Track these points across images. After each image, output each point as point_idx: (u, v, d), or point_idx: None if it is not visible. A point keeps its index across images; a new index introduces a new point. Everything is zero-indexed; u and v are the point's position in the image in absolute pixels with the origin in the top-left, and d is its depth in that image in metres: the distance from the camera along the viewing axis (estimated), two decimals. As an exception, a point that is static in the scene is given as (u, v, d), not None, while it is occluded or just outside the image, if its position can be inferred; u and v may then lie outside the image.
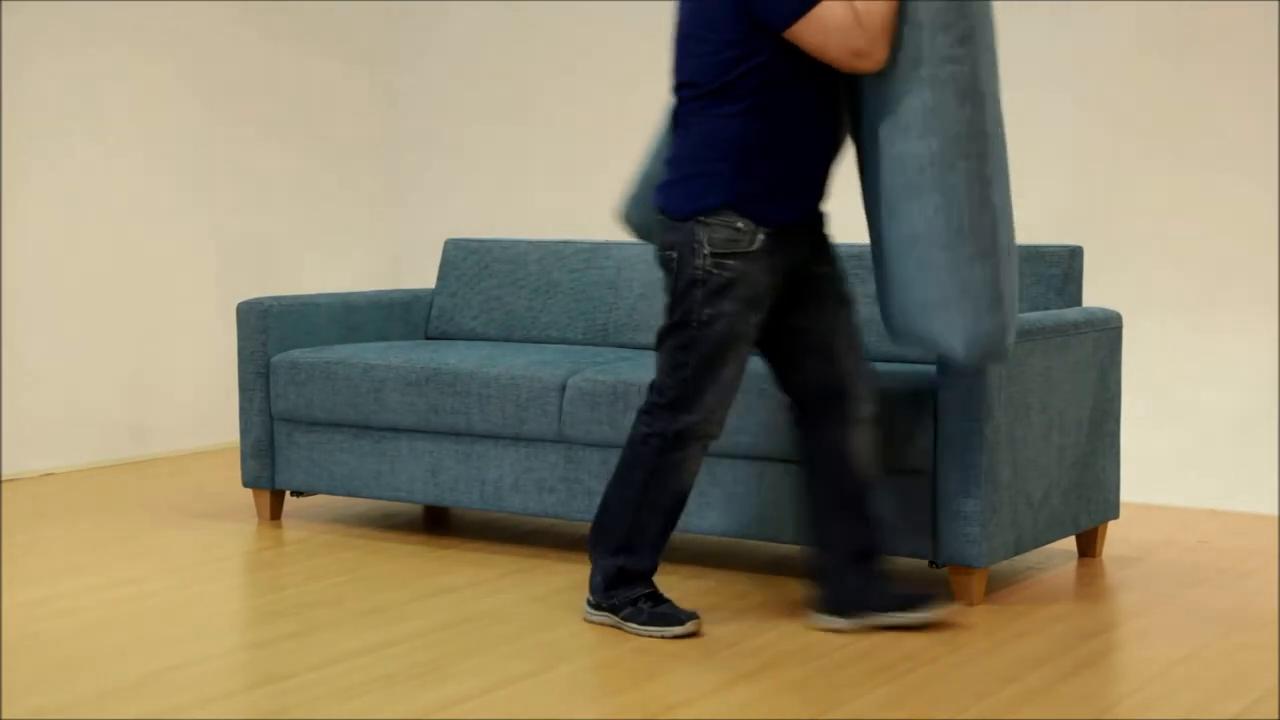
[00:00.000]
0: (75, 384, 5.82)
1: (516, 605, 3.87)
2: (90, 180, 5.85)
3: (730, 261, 3.47)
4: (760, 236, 3.48)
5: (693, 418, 3.55)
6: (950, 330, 3.45)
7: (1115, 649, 3.54)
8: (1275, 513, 5.00)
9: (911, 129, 3.37)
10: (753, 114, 3.45)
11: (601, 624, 3.66)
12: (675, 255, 3.52)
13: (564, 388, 4.33)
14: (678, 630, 3.56)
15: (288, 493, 4.89)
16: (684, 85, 3.53)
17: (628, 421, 4.20)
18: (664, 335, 3.58)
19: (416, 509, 5.06)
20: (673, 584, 4.03)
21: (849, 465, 3.62)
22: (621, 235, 5.98)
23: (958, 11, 3.34)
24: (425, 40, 6.82)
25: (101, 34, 5.85)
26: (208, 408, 6.22)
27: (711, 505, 4.12)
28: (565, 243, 5.13)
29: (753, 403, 4.01)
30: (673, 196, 3.54)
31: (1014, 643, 3.54)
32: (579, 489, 4.33)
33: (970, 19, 3.35)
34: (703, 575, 4.15)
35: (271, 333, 4.82)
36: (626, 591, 3.62)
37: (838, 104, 3.54)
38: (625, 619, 3.60)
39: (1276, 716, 3.04)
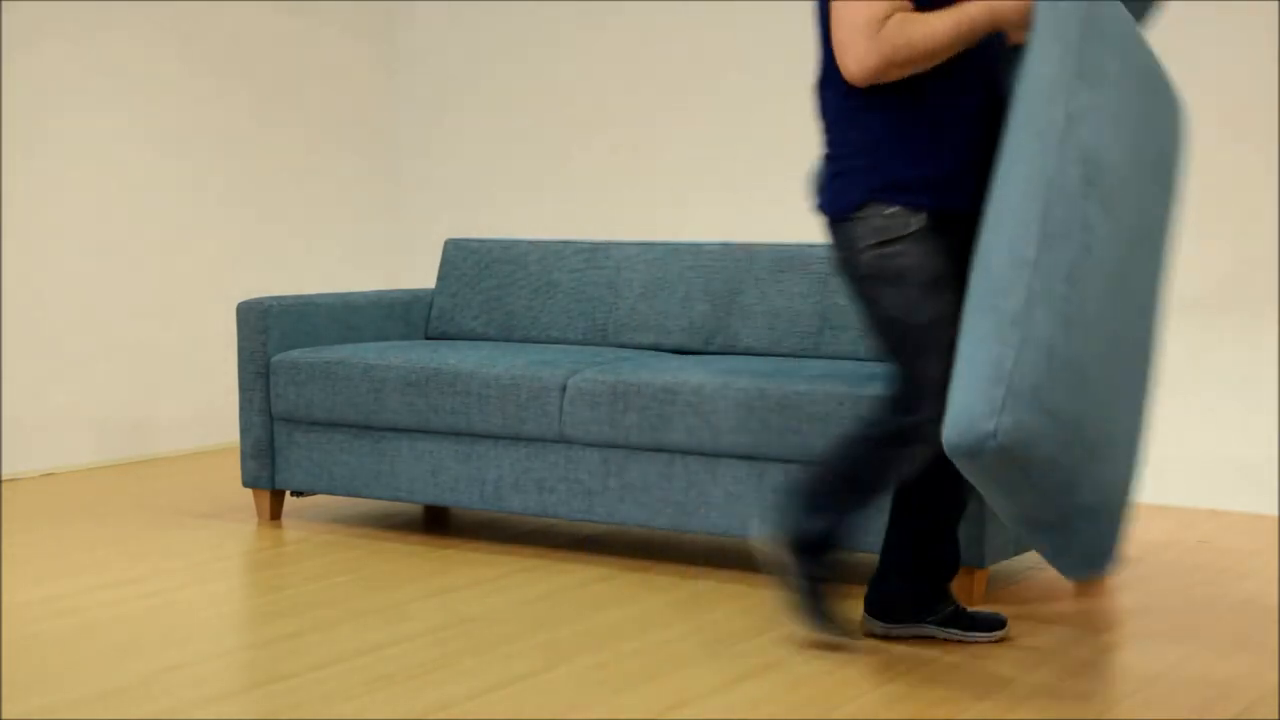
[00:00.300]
0: (75, 384, 5.82)
1: (516, 605, 3.87)
2: (90, 182, 5.85)
3: (893, 247, 3.26)
4: (916, 220, 3.25)
5: (914, 418, 3.34)
6: (950, 406, 3.08)
7: (1115, 649, 3.54)
8: (1275, 513, 5.00)
9: (989, 206, 3.15)
10: (879, 103, 3.26)
11: (763, 550, 3.43)
12: (841, 257, 3.36)
13: (564, 388, 4.33)
14: (822, 632, 3.42)
15: (288, 493, 4.90)
16: (818, 79, 3.38)
17: (628, 421, 4.20)
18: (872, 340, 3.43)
19: (416, 509, 5.06)
20: (672, 584, 4.04)
21: (951, 482, 3.44)
22: (621, 235, 5.98)
23: (1042, 115, 3.07)
24: (426, 41, 6.82)
25: (101, 32, 5.85)
26: (208, 408, 6.22)
27: (712, 505, 4.12)
28: (565, 243, 5.13)
29: (754, 403, 4.02)
30: (826, 198, 3.38)
31: (1014, 643, 3.54)
32: (579, 489, 4.33)
33: (1054, 129, 3.05)
34: (703, 575, 4.14)
35: (271, 333, 4.82)
36: (808, 562, 3.39)
37: (987, 81, 3.28)
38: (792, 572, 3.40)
39: (1276, 717, 3.04)
